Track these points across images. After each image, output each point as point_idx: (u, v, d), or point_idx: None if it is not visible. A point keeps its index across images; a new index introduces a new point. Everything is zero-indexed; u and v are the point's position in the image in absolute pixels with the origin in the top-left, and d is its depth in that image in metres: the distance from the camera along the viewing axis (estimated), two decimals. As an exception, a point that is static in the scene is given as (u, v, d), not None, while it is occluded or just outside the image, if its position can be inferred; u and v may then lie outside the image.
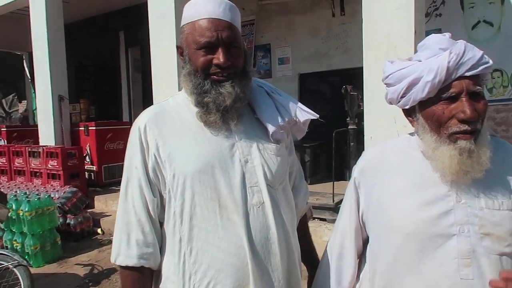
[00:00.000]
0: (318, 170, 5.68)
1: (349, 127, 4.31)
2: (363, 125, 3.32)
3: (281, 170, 1.19)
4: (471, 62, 0.97)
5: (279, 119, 1.17)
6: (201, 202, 1.09)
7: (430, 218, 1.00)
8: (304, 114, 1.21)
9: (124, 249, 1.13)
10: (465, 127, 0.97)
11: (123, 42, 8.79)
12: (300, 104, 1.24)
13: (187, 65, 1.14)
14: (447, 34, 1.03)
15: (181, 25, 1.16)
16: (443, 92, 0.99)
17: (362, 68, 3.31)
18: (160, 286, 1.17)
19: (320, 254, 1.42)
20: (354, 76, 4.99)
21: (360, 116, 3.96)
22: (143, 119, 1.16)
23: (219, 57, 1.08)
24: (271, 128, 1.16)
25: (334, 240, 1.24)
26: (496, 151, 1.03)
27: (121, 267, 1.14)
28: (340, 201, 4.38)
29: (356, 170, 1.20)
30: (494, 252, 0.98)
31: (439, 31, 5.12)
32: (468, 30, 5.08)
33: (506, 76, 4.89)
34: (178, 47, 1.19)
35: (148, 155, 1.13)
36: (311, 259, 1.40)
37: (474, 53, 0.98)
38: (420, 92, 1.00)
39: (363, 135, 3.29)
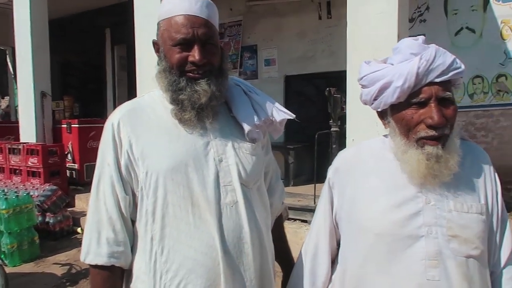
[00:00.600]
0: (301, 171, 5.69)
1: (331, 129, 4.32)
2: (345, 128, 3.34)
3: (256, 169, 1.18)
4: (441, 68, 0.98)
5: (255, 118, 1.17)
6: (173, 200, 1.08)
7: (400, 219, 1.01)
8: (280, 113, 1.21)
9: (94, 247, 1.11)
10: (432, 132, 0.98)
11: (109, 40, 8.69)
12: (276, 104, 1.24)
13: (163, 61, 1.13)
14: (420, 38, 1.04)
15: (158, 21, 1.14)
16: (413, 97, 1.00)
17: (346, 71, 3.33)
18: (131, 285, 1.15)
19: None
20: (339, 79, 5.00)
21: (343, 119, 3.98)
22: (117, 115, 1.15)
23: (195, 54, 1.07)
24: (246, 127, 1.16)
25: (308, 241, 1.24)
26: (467, 155, 1.05)
27: (91, 266, 1.12)
28: (321, 203, 4.33)
29: (330, 171, 1.21)
30: (461, 254, 0.99)
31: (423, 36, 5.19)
32: (451, 36, 5.17)
33: (486, 83, 4.99)
34: (154, 44, 1.18)
35: (121, 152, 1.11)
36: (286, 260, 1.40)
37: (445, 58, 0.99)
38: (390, 97, 1.01)
39: (346, 138, 3.31)
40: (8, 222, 3.92)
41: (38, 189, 4.82)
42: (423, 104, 0.99)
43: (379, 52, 3.17)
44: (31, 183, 5.17)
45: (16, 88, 8.05)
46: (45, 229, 4.64)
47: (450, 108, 1.00)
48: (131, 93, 7.76)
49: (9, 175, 5.73)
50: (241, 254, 1.11)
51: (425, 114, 0.98)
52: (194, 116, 1.09)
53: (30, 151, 5.46)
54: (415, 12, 5.34)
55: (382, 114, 1.11)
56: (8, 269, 3.18)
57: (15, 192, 4.17)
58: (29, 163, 5.44)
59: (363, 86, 1.11)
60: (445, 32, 5.17)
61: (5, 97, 11.37)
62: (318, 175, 4.24)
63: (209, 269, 1.07)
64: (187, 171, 1.08)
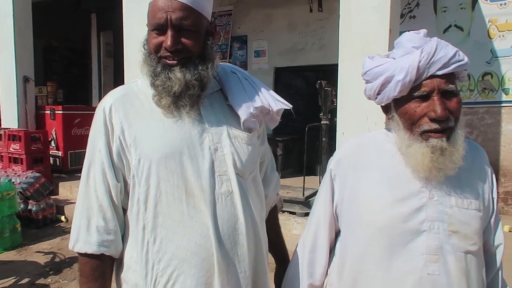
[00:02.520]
0: (289, 164, 5.72)
1: (321, 122, 4.33)
2: (335, 121, 3.35)
3: (252, 159, 1.16)
4: (443, 60, 0.97)
5: (252, 107, 1.14)
6: (167, 189, 1.05)
7: (403, 214, 1.01)
8: (277, 103, 1.18)
9: (84, 235, 1.08)
10: (436, 125, 0.97)
11: (95, 25, 8.51)
12: (273, 93, 1.21)
13: (146, 46, 1.10)
14: (422, 32, 1.03)
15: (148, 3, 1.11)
16: (414, 91, 0.99)
17: (337, 64, 3.32)
18: (122, 275, 1.13)
19: (289, 247, 1.41)
20: (329, 73, 5.03)
21: (333, 112, 3.99)
22: (109, 100, 1.11)
23: (166, 40, 1.03)
24: (243, 116, 1.13)
25: (307, 232, 1.22)
26: (468, 152, 1.05)
27: (80, 254, 1.10)
28: (310, 196, 4.41)
29: (332, 162, 1.19)
30: (460, 249, 0.99)
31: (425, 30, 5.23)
32: (440, 34, 5.21)
33: (473, 80, 5.07)
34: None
35: (112, 138, 1.08)
36: (280, 251, 1.39)
37: (447, 51, 0.98)
38: (392, 91, 1.01)
39: (335, 131, 3.32)
40: (-11, 209, 3.83)
41: (20, 176, 4.71)
42: (425, 98, 0.99)
43: (371, 46, 3.18)
44: (13, 169, 5.05)
45: (-3, 72, 7.82)
46: (28, 217, 4.56)
47: (453, 100, 0.99)
48: (117, 80, 7.62)
49: (-11, 161, 5.59)
50: (236, 245, 1.09)
51: (428, 108, 0.98)
52: (171, 103, 1.06)
53: (12, 137, 5.33)
54: (405, 8, 5.37)
55: (385, 109, 1.11)
56: (-12, 257, 3.10)
57: (-4, 178, 4.07)
58: (11, 149, 5.31)
59: (367, 81, 1.10)
60: (433, 29, 5.22)
61: (-14, 81, 11.03)
62: (307, 168, 4.26)
63: (202, 260, 1.05)
64: (181, 159, 1.06)
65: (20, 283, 3.30)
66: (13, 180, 4.38)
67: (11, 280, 3.32)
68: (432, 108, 0.97)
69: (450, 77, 0.99)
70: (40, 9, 6.66)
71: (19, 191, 4.41)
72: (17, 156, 5.27)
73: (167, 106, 1.07)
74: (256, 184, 1.21)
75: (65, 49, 9.45)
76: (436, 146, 0.97)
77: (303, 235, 1.24)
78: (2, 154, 5.44)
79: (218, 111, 1.14)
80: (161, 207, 1.06)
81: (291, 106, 1.21)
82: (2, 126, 5.93)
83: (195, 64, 1.06)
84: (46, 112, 6.11)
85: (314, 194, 4.32)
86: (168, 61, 1.05)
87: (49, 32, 8.48)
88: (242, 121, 1.13)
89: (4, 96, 6.03)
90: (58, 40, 9.24)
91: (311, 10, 5.97)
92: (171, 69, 1.05)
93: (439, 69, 0.97)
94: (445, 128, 0.98)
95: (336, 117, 3.34)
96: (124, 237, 1.12)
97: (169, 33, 1.02)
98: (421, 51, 0.98)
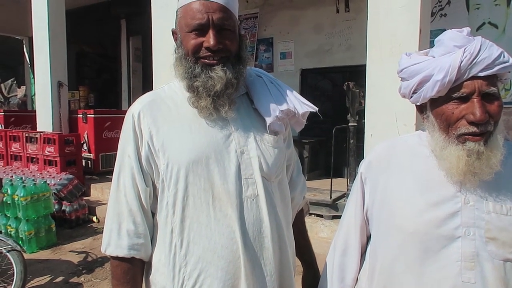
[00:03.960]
0: (316, 166, 5.67)
1: (349, 124, 4.28)
2: (363, 123, 3.29)
3: (278, 162, 1.16)
4: (486, 61, 0.92)
5: (277, 110, 1.14)
6: (194, 192, 1.07)
7: (437, 219, 0.97)
8: (303, 106, 1.18)
9: (115, 239, 1.10)
10: (474, 128, 0.92)
11: (125, 31, 8.74)
12: (299, 96, 1.21)
13: (179, 49, 1.11)
14: (466, 30, 0.97)
15: (176, 9, 1.12)
16: (454, 92, 0.94)
17: (364, 65, 3.27)
18: (150, 277, 1.15)
19: (316, 250, 1.40)
20: (356, 74, 4.95)
21: (361, 114, 3.93)
22: (137, 106, 1.13)
23: (209, 39, 1.04)
24: (268, 119, 1.13)
25: (338, 235, 1.20)
26: (509, 156, 0.99)
27: (112, 257, 1.12)
28: (338, 198, 4.34)
29: (363, 165, 1.16)
30: (498, 257, 0.94)
31: (443, 31, 5.08)
32: (473, 32, 4.95)
33: (508, 80, 4.87)
34: (173, 33, 1.16)
35: (141, 144, 1.10)
36: (307, 254, 1.38)
37: (491, 52, 0.93)
38: (430, 91, 0.96)
39: (363, 133, 3.26)
40: (26, 209, 3.99)
41: (54, 177, 4.89)
42: (465, 99, 0.94)
43: (400, 47, 3.11)
44: (48, 171, 5.25)
45: (33, 78, 8.17)
46: (62, 217, 4.72)
47: (495, 103, 0.94)
48: (146, 85, 7.80)
49: (26, 163, 5.82)
50: (262, 248, 1.09)
51: (467, 110, 0.93)
52: (210, 104, 1.06)
53: (47, 140, 5.54)
54: (435, 6, 5.22)
55: (421, 108, 1.07)
56: (25, 256, 3.22)
57: (33, 180, 4.23)
58: (46, 152, 5.52)
59: (403, 79, 1.06)
60: (466, 27, 5.04)
61: (22, 87, 11.53)
62: (334, 170, 4.21)
63: (229, 262, 1.06)
64: (208, 163, 1.06)
65: (55, 281, 3.43)
66: (48, 182, 4.55)
67: (46, 278, 3.46)
68: (471, 111, 0.92)
69: (492, 79, 0.94)
70: (72, 17, 6.91)
71: (54, 192, 4.57)
72: (52, 159, 5.48)
73: (205, 108, 1.07)
74: (282, 188, 1.20)
75: (96, 54, 9.75)
76: (472, 149, 0.92)
77: (334, 239, 1.22)
78: (38, 157, 5.66)
79: (244, 114, 1.15)
80: (188, 210, 1.07)
81: (317, 108, 1.20)
82: (38, 130, 6.18)
83: (232, 63, 1.08)
84: (78, 115, 6.32)
85: (342, 196, 4.27)
86: (208, 61, 1.06)
87: (81, 38, 8.78)
88: (268, 124, 1.13)
89: (39, 101, 6.28)
90: (89, 46, 9.55)
91: (337, 11, 5.91)
92: (211, 69, 1.06)
93: (482, 70, 0.92)
94: (483, 132, 0.93)
95: (364, 119, 3.29)
96: (153, 241, 1.14)
97: (211, 32, 1.04)
98: (463, 50, 0.93)
